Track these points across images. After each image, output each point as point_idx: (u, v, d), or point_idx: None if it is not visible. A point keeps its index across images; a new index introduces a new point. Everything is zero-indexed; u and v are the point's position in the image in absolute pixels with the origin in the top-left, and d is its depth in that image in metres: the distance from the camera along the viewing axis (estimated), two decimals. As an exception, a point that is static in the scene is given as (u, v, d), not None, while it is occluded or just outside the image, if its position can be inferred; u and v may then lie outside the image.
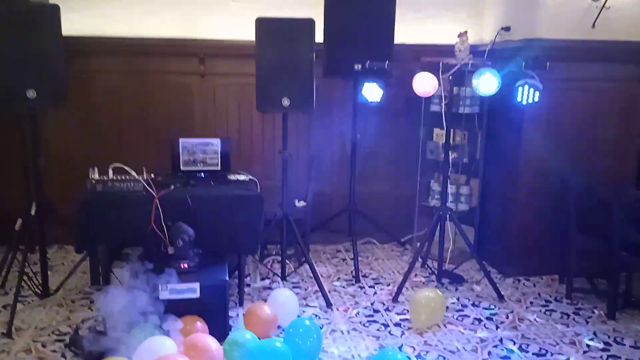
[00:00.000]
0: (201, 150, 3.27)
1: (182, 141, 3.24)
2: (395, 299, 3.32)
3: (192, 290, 2.69)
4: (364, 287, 3.54)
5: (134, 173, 3.01)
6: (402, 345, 2.78)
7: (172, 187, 3.05)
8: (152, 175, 3.09)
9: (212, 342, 2.44)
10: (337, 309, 3.20)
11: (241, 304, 3.17)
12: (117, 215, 2.89)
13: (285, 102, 3.14)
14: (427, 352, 2.73)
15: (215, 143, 3.28)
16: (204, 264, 2.87)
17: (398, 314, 3.16)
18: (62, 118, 4.05)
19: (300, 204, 4.00)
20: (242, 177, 3.37)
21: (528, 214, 3.76)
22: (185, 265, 2.78)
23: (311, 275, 3.64)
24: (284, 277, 3.55)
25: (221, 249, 3.04)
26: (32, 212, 3.06)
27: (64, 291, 3.34)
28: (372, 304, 3.29)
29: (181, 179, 3.21)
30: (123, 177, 2.98)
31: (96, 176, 2.95)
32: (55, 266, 3.79)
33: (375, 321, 3.06)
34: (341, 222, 4.26)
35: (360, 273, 3.72)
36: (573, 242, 3.35)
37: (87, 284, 3.43)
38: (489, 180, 4.11)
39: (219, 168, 3.34)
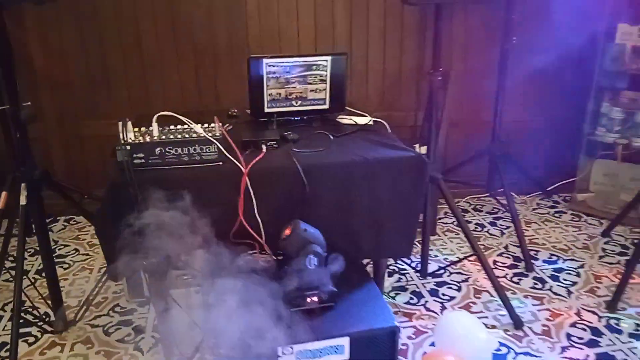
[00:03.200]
0: (300, 77, 1.89)
1: (268, 63, 1.85)
2: (613, 306, 2.11)
3: (336, 349, 1.46)
4: (544, 280, 2.32)
5: (197, 128, 1.65)
6: (694, 416, 1.61)
7: (264, 148, 1.71)
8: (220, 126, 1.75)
9: None
10: (532, 330, 2.00)
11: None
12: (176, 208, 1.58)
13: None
14: None
15: (324, 64, 1.89)
16: (338, 285, 1.61)
17: (637, 336, 1.96)
18: (56, 33, 2.62)
19: (421, 149, 2.68)
20: (362, 120, 2.02)
21: None
22: (315, 299, 1.52)
23: (454, 259, 2.43)
24: (424, 273, 2.32)
25: (355, 253, 1.76)
26: (22, 200, 1.76)
27: (88, 311, 2.12)
28: (578, 314, 2.09)
29: (269, 129, 1.87)
30: (176, 135, 1.63)
31: (130, 135, 1.60)
32: (66, 255, 2.55)
33: (608, 355, 1.87)
34: (469, 166, 2.97)
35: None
36: None
37: (124, 295, 2.22)
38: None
39: (326, 106, 1.98)
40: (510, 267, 2.42)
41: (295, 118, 1.97)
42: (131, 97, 2.78)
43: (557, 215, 2.94)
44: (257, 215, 1.61)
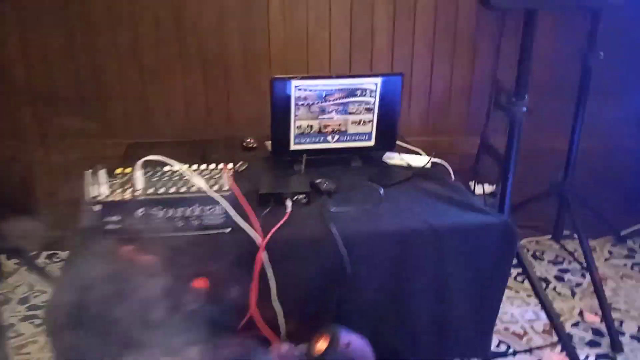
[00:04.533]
0: (339, 105, 1.42)
1: (298, 86, 1.37)
2: None
3: None
4: (638, 365, 1.82)
5: (197, 179, 1.18)
6: None
7: (289, 205, 1.24)
8: (229, 168, 1.28)
9: None
10: None
11: None
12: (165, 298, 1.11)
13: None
14: None
15: (372, 87, 1.41)
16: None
17: None
18: (39, 38, 2.18)
19: (480, 187, 2.20)
20: (416, 160, 1.55)
21: None
22: None
23: (520, 331, 1.92)
24: (486, 355, 1.81)
25: (411, 355, 1.28)
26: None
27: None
28: None
29: (296, 174, 1.41)
30: (168, 189, 1.16)
31: (104, 189, 1.13)
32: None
33: None
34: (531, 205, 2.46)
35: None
36: None
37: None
38: None
39: (371, 143, 1.50)
40: (591, 344, 1.91)
41: (331, 157, 1.50)
42: (127, 114, 2.33)
43: (636, 268, 2.42)
44: (275, 303, 1.14)
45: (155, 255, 1.07)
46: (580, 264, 2.41)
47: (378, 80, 1.39)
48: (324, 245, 1.15)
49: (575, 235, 2.35)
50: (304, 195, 1.26)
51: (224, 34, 2.25)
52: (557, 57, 2.35)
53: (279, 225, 1.14)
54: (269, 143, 1.61)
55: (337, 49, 2.31)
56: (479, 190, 2.11)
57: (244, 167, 1.46)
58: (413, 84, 2.41)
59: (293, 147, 1.43)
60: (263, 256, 1.11)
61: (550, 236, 2.56)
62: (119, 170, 1.31)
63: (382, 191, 1.28)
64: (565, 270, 2.41)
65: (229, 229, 1.14)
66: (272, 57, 2.29)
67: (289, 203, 1.24)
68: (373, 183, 1.33)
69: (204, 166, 1.26)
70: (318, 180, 1.35)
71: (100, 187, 1.11)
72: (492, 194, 2.10)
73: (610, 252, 2.58)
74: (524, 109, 1.44)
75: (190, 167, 1.26)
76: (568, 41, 2.24)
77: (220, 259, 1.10)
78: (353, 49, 2.31)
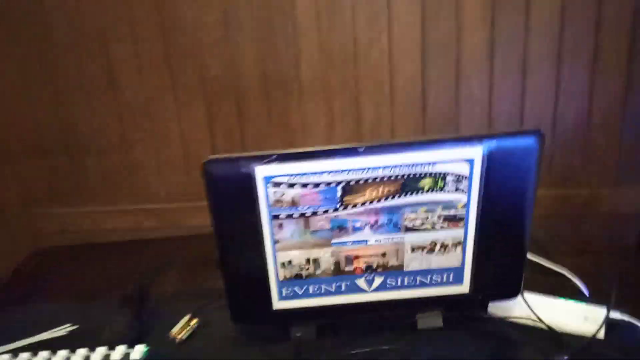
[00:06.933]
0: (380, 211, 0.60)
1: (274, 180, 0.57)
2: None
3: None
4: None
5: None
6: None
7: None
8: None
9: None
10: None
11: None
12: None
13: None
14: None
15: (461, 170, 0.58)
16: None
17: None
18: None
19: None
20: (570, 317, 0.68)
21: None
22: None
23: None
24: None
25: None
26: None
27: None
28: None
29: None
30: None
31: None
32: None
33: None
34: None
35: None
36: None
37: None
38: None
39: (465, 289, 0.66)
40: None
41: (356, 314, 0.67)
42: (107, 170, 1.65)
43: None
44: None
45: None
46: None
47: (476, 151, 0.54)
48: None
49: None
50: None
51: (232, 52, 1.50)
52: None
53: None
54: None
55: (402, 62, 1.48)
56: None
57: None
58: (526, 116, 1.52)
59: (277, 305, 0.62)
60: None
61: None
62: None
63: None
64: None
65: None
66: (302, 80, 1.51)
67: None
68: None
69: None
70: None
71: None
72: None
73: None
74: None
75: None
76: None
77: None
78: (427, 61, 1.47)
